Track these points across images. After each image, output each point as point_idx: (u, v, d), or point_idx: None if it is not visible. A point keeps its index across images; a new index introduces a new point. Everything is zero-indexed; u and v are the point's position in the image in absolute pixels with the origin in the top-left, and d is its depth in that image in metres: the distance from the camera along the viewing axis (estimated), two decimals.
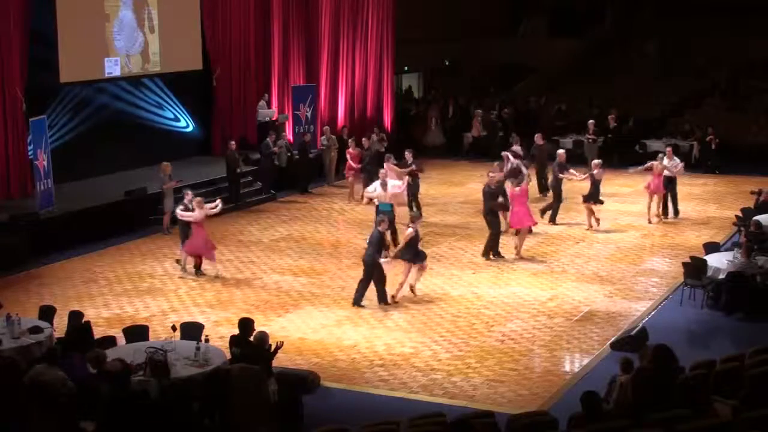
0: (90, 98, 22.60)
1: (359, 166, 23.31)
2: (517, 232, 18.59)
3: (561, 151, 21.66)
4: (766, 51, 32.95)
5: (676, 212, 21.48)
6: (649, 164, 21.38)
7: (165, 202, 20.20)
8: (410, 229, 15.89)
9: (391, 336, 14.33)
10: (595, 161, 20.95)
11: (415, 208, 20.06)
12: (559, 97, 32.77)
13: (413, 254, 15.83)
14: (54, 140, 20.93)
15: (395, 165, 20.58)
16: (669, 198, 21.40)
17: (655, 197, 21.17)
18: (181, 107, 25.16)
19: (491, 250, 18.29)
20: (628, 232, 20.38)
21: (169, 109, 24.89)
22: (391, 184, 18.61)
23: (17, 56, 20.02)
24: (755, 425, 8.72)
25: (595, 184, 20.24)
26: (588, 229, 20.32)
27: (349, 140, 24.39)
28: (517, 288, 16.63)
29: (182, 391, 10.66)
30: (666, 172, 20.95)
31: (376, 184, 18.76)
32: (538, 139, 24.13)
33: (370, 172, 22.45)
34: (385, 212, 17.71)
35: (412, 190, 20.96)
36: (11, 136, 20.11)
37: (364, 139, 24.07)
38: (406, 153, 21.45)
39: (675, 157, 21.51)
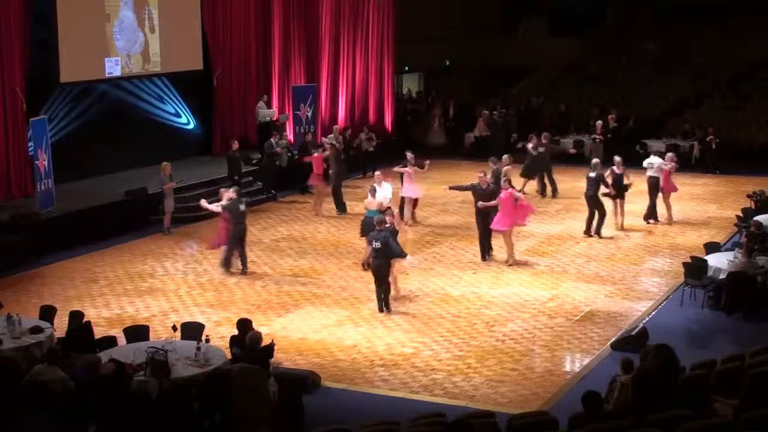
0: (91, 88, 22.54)
1: (321, 171, 22.30)
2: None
3: (596, 161, 20.59)
4: (766, 51, 32.94)
5: (649, 216, 21.04)
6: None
7: (165, 203, 20.17)
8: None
9: (392, 336, 14.33)
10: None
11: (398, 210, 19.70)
12: (559, 97, 32.77)
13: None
14: (53, 135, 20.88)
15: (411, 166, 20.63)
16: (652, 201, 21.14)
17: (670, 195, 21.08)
18: (182, 102, 25.16)
19: (484, 250, 18.18)
20: (628, 232, 20.37)
21: (170, 104, 24.88)
22: (381, 193, 18.09)
23: (18, 56, 20.02)
24: (755, 425, 8.72)
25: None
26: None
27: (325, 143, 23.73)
28: (518, 288, 16.62)
29: (182, 391, 10.66)
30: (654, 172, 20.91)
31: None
32: (543, 138, 24.11)
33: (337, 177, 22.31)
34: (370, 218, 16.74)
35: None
36: (11, 136, 20.12)
37: (324, 140, 23.33)
38: (407, 154, 21.26)
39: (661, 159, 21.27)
